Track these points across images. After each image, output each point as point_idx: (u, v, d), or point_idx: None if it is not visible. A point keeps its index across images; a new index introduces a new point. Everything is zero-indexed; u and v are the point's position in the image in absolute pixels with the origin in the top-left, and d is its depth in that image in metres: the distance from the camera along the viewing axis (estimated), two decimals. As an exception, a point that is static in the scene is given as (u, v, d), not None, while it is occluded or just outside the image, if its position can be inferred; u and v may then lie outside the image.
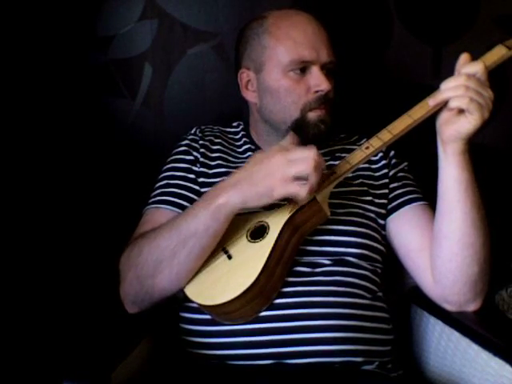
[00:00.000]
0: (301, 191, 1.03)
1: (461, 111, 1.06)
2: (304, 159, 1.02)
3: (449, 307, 1.18)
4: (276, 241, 1.09)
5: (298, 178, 1.02)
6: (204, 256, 1.11)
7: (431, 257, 1.17)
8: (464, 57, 1.09)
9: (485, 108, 1.04)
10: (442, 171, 1.11)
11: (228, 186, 1.07)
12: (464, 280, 1.13)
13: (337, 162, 1.27)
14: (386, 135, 1.11)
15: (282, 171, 1.02)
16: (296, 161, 1.03)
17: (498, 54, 1.10)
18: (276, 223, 1.10)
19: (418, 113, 1.10)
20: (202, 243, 1.09)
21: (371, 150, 1.12)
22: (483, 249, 1.12)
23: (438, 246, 1.15)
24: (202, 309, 1.13)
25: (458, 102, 1.04)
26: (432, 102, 1.08)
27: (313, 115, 1.22)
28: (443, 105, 1.08)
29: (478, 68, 1.06)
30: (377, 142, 1.12)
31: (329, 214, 1.12)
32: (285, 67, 1.21)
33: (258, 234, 1.12)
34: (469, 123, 1.05)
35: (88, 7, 1.52)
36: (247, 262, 1.09)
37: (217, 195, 1.07)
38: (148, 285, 1.12)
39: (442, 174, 1.12)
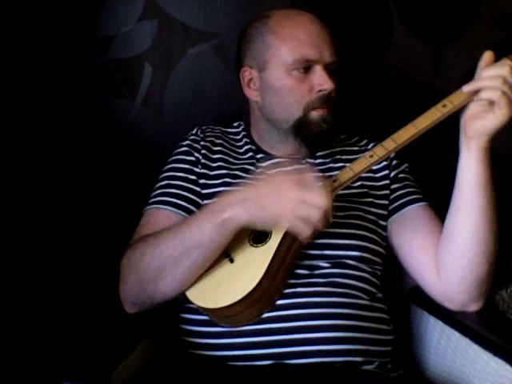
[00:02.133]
0: (303, 231, 1.03)
1: (490, 106, 1.06)
2: (317, 206, 1.02)
3: (451, 306, 1.18)
4: (278, 245, 1.09)
5: (304, 218, 1.02)
6: (207, 265, 1.11)
7: (440, 253, 1.17)
8: (488, 55, 1.09)
9: None
10: (464, 166, 1.11)
11: (235, 201, 1.06)
12: (472, 278, 1.13)
13: (337, 165, 1.27)
14: (391, 144, 1.11)
15: (293, 207, 1.02)
16: (309, 204, 1.02)
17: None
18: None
19: (423, 123, 1.10)
20: (206, 255, 1.09)
21: (375, 158, 1.12)
22: (493, 248, 1.13)
23: (450, 241, 1.15)
24: (202, 311, 1.13)
25: (491, 93, 1.05)
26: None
27: (315, 114, 1.22)
28: (449, 115, 1.09)
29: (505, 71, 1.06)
30: (381, 151, 1.12)
31: (331, 220, 1.11)
32: (288, 66, 1.21)
33: (261, 238, 1.11)
34: (496, 118, 1.05)
35: (88, 7, 1.52)
36: (249, 266, 1.09)
37: (223, 209, 1.06)
38: (150, 289, 1.12)
39: (463, 169, 1.12)
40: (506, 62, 1.07)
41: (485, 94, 1.06)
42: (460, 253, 1.13)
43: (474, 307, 1.17)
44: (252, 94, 1.28)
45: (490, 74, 1.06)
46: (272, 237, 1.10)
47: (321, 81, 1.20)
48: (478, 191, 1.11)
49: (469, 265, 1.13)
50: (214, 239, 1.07)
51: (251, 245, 1.12)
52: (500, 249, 1.15)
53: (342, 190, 1.18)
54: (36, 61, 1.52)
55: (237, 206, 1.05)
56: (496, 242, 1.13)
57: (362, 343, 1.12)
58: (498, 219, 1.13)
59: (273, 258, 1.08)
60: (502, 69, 1.06)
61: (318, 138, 1.23)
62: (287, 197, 1.03)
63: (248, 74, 1.27)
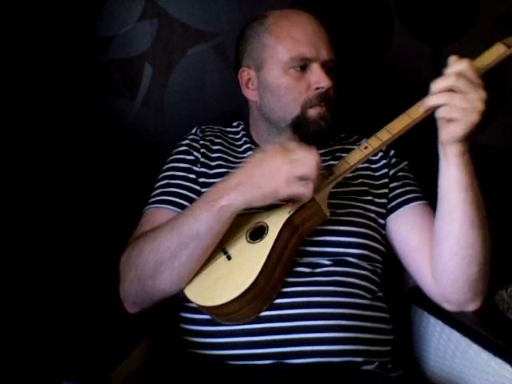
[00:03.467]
0: (306, 191, 1.04)
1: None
2: (307, 160, 1.03)
3: (448, 307, 1.18)
4: (275, 241, 1.09)
5: (301, 178, 1.03)
6: (205, 257, 1.11)
7: (431, 256, 1.17)
8: (452, 58, 1.08)
9: (471, 112, 1.02)
10: (443, 172, 1.11)
11: (229, 187, 1.07)
12: (464, 279, 1.13)
13: (336, 162, 1.27)
14: (385, 135, 1.11)
15: (287, 172, 1.03)
16: (299, 161, 1.03)
17: (496, 52, 1.10)
18: (275, 224, 1.10)
19: (416, 112, 1.10)
20: (204, 244, 1.09)
21: (370, 149, 1.12)
22: (483, 249, 1.12)
23: (438, 245, 1.15)
24: (201, 309, 1.13)
25: (443, 112, 1.04)
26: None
27: (313, 112, 1.22)
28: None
29: (463, 66, 1.03)
30: (375, 142, 1.12)
31: (328, 214, 1.12)
32: (285, 65, 1.22)
33: (257, 234, 1.12)
34: (456, 129, 1.03)
35: (88, 7, 1.52)
36: (246, 263, 1.09)
37: (218, 197, 1.07)
38: (148, 285, 1.12)
39: (442, 174, 1.12)
40: (449, 72, 1.04)
41: (439, 113, 1.04)
42: (448, 256, 1.13)
43: (471, 307, 1.17)
44: (250, 93, 1.29)
45: (437, 88, 1.04)
46: (269, 233, 1.11)
47: (318, 78, 1.21)
48: (458, 197, 1.10)
49: (457, 267, 1.13)
50: (212, 227, 1.07)
51: (248, 241, 1.12)
52: (500, 249, 1.15)
53: (342, 187, 1.19)
54: (36, 61, 1.52)
55: (232, 192, 1.06)
56: (486, 242, 1.12)
57: (363, 343, 1.12)
58: (495, 219, 1.13)
59: (269, 254, 1.08)
60: (448, 79, 1.03)
61: (316, 136, 1.23)
62: (277, 166, 1.04)
63: (246, 73, 1.28)
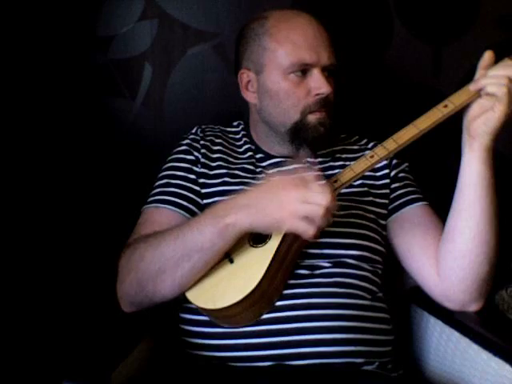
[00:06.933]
0: (307, 231, 1.02)
1: (490, 105, 1.07)
2: (318, 203, 1.01)
3: (451, 306, 1.19)
4: (278, 246, 1.09)
5: (307, 218, 1.02)
6: (207, 269, 1.11)
7: (440, 253, 1.17)
8: (488, 54, 1.10)
9: None
10: (466, 166, 1.12)
11: (237, 206, 1.06)
12: (473, 278, 1.14)
13: (337, 163, 1.27)
14: (392, 144, 1.12)
15: (294, 208, 1.02)
16: (311, 202, 1.02)
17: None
18: None
19: (424, 123, 1.10)
20: (207, 258, 1.09)
21: (376, 158, 1.12)
22: (495, 249, 1.13)
23: (451, 241, 1.15)
24: (202, 312, 1.13)
25: (496, 88, 1.06)
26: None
27: (312, 118, 1.22)
28: (450, 115, 1.09)
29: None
30: (382, 151, 1.12)
31: (331, 220, 1.11)
32: (285, 70, 1.21)
33: (260, 238, 1.11)
34: (494, 115, 1.07)
35: (88, 7, 1.52)
36: (249, 267, 1.09)
37: (226, 214, 1.06)
38: (148, 290, 1.12)
39: (465, 169, 1.12)
40: (509, 62, 1.09)
41: (490, 89, 1.07)
42: (461, 253, 1.13)
43: (474, 307, 1.17)
44: (250, 96, 1.28)
45: (496, 73, 1.08)
46: (272, 237, 1.10)
47: (318, 84, 1.20)
48: (480, 192, 1.11)
49: (470, 265, 1.13)
50: (215, 243, 1.07)
51: (251, 245, 1.12)
52: (500, 249, 1.15)
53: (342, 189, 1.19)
54: (36, 61, 1.52)
55: (239, 212, 1.05)
56: (497, 242, 1.13)
57: (363, 344, 1.12)
58: (499, 219, 1.13)
59: (272, 258, 1.08)
60: (507, 69, 1.07)
61: (316, 142, 1.22)
62: (288, 199, 1.03)
63: (246, 76, 1.27)
